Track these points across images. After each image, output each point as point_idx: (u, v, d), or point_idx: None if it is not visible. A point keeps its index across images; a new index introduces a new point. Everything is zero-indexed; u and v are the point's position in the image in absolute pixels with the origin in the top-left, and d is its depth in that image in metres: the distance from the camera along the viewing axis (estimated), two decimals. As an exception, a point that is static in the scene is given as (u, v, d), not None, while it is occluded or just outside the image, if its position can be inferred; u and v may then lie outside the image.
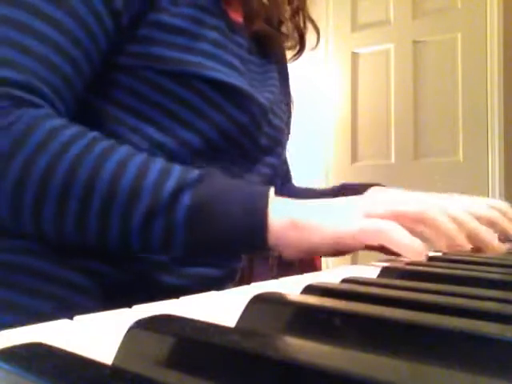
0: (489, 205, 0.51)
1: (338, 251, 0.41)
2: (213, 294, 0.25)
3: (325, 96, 2.37)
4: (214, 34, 0.53)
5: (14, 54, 0.41)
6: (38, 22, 0.42)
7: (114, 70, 0.49)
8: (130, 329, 0.14)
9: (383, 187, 0.64)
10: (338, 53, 2.33)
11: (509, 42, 1.98)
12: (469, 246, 0.43)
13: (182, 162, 0.48)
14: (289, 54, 0.73)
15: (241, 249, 0.44)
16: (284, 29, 0.69)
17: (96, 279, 0.47)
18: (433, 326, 0.15)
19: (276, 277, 0.30)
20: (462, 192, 0.48)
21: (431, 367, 0.11)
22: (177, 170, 0.41)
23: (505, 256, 0.44)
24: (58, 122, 0.41)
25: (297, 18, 0.69)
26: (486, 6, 2.03)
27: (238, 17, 0.60)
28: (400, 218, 0.40)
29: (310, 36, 0.72)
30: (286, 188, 0.77)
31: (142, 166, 0.40)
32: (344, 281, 0.26)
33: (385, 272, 0.31)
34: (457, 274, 0.29)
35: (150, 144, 0.49)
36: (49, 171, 0.38)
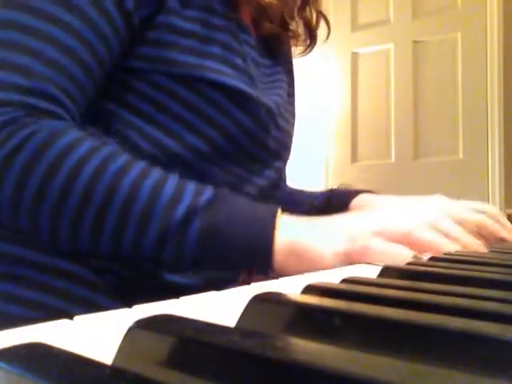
0: (477, 209, 0.51)
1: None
2: (213, 294, 0.25)
3: (325, 96, 2.37)
4: (223, 37, 0.52)
5: (27, 59, 0.41)
6: (49, 26, 0.42)
7: (123, 72, 0.49)
8: (130, 329, 0.14)
9: (371, 195, 0.64)
10: (338, 53, 2.33)
11: (509, 41, 1.98)
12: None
13: (190, 167, 0.49)
14: (298, 48, 0.72)
15: (244, 268, 0.47)
16: (293, 24, 0.67)
17: (107, 276, 0.47)
18: (433, 326, 0.15)
19: (276, 277, 0.30)
20: (462, 191, 0.48)
21: (431, 367, 0.11)
22: (189, 191, 0.42)
23: (505, 256, 0.44)
24: (74, 134, 0.41)
25: (306, 12, 0.68)
26: (486, 5, 2.03)
27: (247, 17, 0.59)
28: (385, 238, 0.40)
29: (319, 31, 0.70)
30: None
31: (155, 186, 0.41)
32: (344, 281, 0.26)
33: (385, 272, 0.31)
34: (457, 273, 0.29)
35: (158, 149, 0.50)
36: (64, 190, 0.39)
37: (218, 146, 0.52)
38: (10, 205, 0.40)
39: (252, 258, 0.42)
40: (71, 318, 0.19)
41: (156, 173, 0.43)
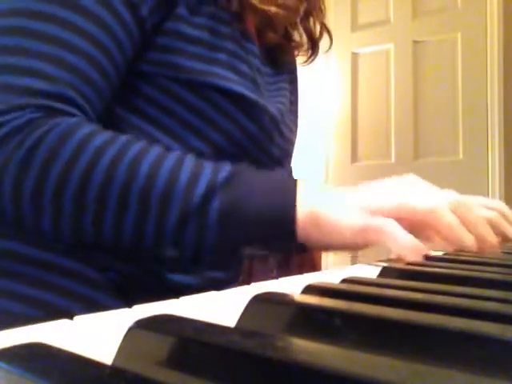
0: (488, 206, 0.51)
1: (347, 246, 0.43)
2: (213, 294, 0.25)
3: (325, 96, 2.37)
4: (230, 45, 0.53)
5: (46, 65, 0.41)
6: (67, 32, 0.43)
7: (132, 76, 0.49)
8: (130, 329, 0.14)
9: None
10: (338, 53, 2.33)
11: (509, 41, 1.98)
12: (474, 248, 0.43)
13: None
14: (300, 58, 0.72)
15: (270, 245, 0.46)
16: (296, 35, 0.68)
17: (109, 274, 0.47)
18: (433, 326, 0.15)
19: (276, 277, 0.30)
20: (462, 192, 0.48)
21: (431, 367, 0.11)
22: (207, 170, 0.42)
23: (505, 256, 0.44)
24: (91, 127, 0.42)
25: (309, 23, 0.68)
26: (486, 5, 2.03)
27: (251, 27, 0.60)
28: (405, 214, 0.40)
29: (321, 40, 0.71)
30: None
31: (173, 169, 0.41)
32: (344, 281, 0.26)
33: (385, 272, 0.31)
34: (457, 274, 0.29)
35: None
36: (84, 179, 0.40)
37: (222, 150, 0.52)
38: (31, 202, 0.40)
39: (276, 230, 0.42)
40: (71, 317, 0.19)
41: (173, 155, 0.43)
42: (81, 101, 0.43)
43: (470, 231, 0.42)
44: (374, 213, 0.40)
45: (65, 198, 0.40)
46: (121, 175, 0.40)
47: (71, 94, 0.42)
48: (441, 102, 2.11)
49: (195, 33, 0.50)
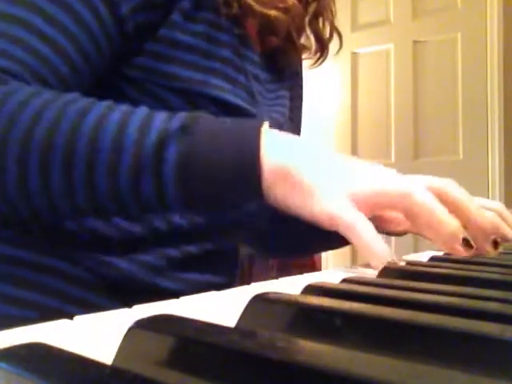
0: (486, 206, 0.50)
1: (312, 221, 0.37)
2: (213, 294, 0.25)
3: (325, 96, 2.37)
4: (225, 52, 0.52)
5: (5, 44, 0.40)
6: (32, 15, 0.42)
7: (122, 81, 0.48)
8: (130, 329, 0.14)
9: None
10: (338, 53, 2.33)
11: (509, 41, 1.98)
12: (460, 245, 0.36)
13: None
14: (307, 61, 0.69)
15: (236, 199, 0.41)
16: (302, 38, 0.65)
17: (98, 276, 0.47)
18: (433, 326, 0.15)
19: (276, 277, 0.30)
20: (462, 192, 0.47)
21: (431, 367, 0.11)
22: (158, 120, 0.38)
23: (505, 256, 0.44)
24: (31, 89, 0.40)
25: (318, 24, 0.65)
26: (486, 5, 2.03)
27: (252, 31, 0.58)
28: (380, 204, 0.36)
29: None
30: None
31: (121, 121, 0.38)
32: (344, 281, 0.26)
33: (385, 272, 0.31)
34: (457, 274, 0.29)
35: None
36: (25, 138, 0.37)
37: None
38: None
39: (239, 184, 0.37)
40: (71, 317, 0.19)
41: (124, 107, 0.40)
42: (35, 83, 0.41)
43: (461, 215, 0.37)
44: (349, 196, 0.36)
45: (9, 161, 0.37)
46: (66, 126, 0.37)
47: (25, 75, 0.41)
48: (441, 102, 2.11)
49: (189, 40, 0.49)
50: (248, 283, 0.28)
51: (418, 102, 2.16)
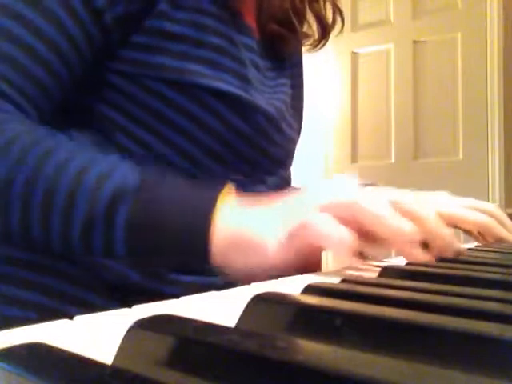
0: (478, 208, 0.50)
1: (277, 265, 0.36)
2: (213, 294, 0.25)
3: (325, 96, 2.37)
4: (217, 40, 0.50)
5: None
6: (6, 19, 0.41)
7: (112, 75, 0.48)
8: (130, 329, 0.14)
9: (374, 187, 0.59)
10: (338, 53, 2.33)
11: (509, 41, 1.98)
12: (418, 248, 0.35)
13: (186, 174, 0.46)
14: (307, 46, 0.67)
15: (184, 264, 0.42)
16: (302, 24, 0.63)
17: (98, 277, 0.47)
18: (433, 326, 0.15)
19: (276, 277, 0.30)
20: (462, 192, 0.48)
21: (431, 367, 0.11)
22: (118, 173, 0.38)
23: (505, 256, 0.44)
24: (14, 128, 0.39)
25: (319, 6, 0.64)
26: (486, 5, 2.03)
27: (251, 19, 0.57)
28: (330, 210, 0.34)
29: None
30: None
31: (82, 167, 0.38)
32: (344, 281, 0.26)
33: (385, 272, 0.31)
34: (457, 274, 0.29)
35: (151, 155, 0.48)
36: None
37: (210, 150, 0.50)
38: None
39: (188, 250, 0.37)
40: (71, 318, 0.19)
41: (89, 152, 0.39)
42: (12, 92, 0.41)
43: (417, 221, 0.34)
44: (297, 215, 0.35)
45: None
46: (28, 169, 0.37)
47: (5, 88, 0.40)
48: (441, 102, 2.11)
49: (177, 29, 0.48)
50: (248, 283, 0.28)
51: (418, 102, 2.16)
